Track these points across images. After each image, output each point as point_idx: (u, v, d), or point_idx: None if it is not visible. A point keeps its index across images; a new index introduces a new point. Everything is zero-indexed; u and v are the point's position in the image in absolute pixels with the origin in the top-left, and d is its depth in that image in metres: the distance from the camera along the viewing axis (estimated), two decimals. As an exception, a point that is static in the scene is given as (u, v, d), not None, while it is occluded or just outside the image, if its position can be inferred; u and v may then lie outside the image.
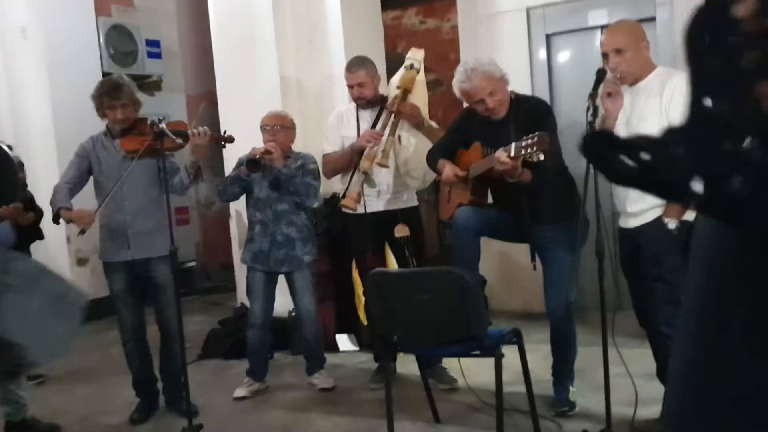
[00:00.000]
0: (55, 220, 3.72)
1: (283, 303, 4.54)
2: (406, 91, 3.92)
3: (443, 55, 6.73)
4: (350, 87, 4.10)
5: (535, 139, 2.91)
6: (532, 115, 3.28)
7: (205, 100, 8.11)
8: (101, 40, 7.04)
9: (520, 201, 3.27)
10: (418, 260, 3.95)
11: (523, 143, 2.94)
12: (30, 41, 6.59)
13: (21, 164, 3.87)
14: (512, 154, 2.97)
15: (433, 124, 4.07)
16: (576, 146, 0.87)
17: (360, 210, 4.04)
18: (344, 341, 4.98)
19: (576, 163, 3.33)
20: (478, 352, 2.89)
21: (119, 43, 7.23)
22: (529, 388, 3.11)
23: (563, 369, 3.47)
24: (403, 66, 4.03)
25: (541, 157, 2.92)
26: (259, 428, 3.65)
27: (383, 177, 4.04)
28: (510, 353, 2.99)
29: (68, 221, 3.70)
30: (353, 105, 4.18)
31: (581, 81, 4.93)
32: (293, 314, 4.70)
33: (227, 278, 6.71)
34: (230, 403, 4.09)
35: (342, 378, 4.33)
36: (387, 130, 3.88)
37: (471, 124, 3.47)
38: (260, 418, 3.82)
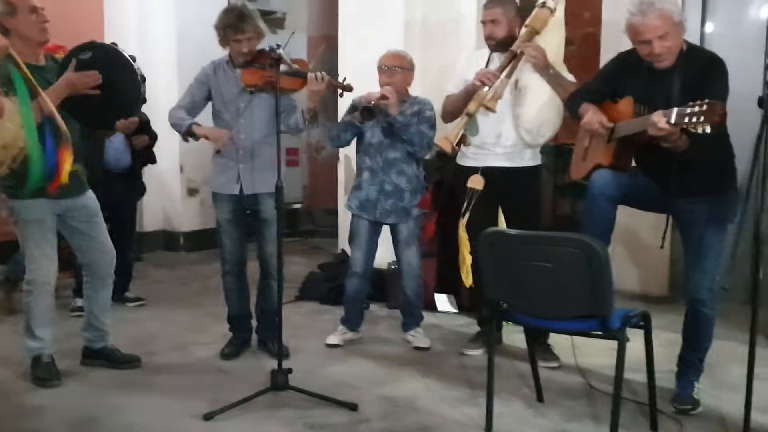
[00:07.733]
0: (186, 137, 3.69)
1: (383, 254, 4.38)
2: (532, 31, 3.55)
3: (576, 12, 6.22)
4: (483, 24, 3.76)
5: (704, 107, 2.46)
6: (703, 73, 2.78)
7: (325, 42, 7.97)
8: (230, -29, 7.01)
9: (670, 169, 2.86)
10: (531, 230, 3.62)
11: (688, 110, 2.50)
12: (160, -33, 6.65)
13: (143, 78, 3.82)
14: (672, 120, 2.55)
15: (568, 75, 3.64)
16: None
17: (472, 162, 3.76)
18: (443, 301, 4.78)
19: (736, 129, 2.90)
20: (599, 332, 2.58)
21: (247, -25, 7.16)
22: (651, 378, 2.80)
23: (693, 360, 3.08)
24: (536, 5, 3.63)
25: (708, 129, 2.48)
26: (348, 378, 3.51)
27: (499, 127, 3.67)
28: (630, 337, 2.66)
29: (202, 137, 3.66)
30: (487, 48, 3.84)
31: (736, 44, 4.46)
32: (393, 266, 4.54)
33: (331, 223, 6.63)
34: (322, 349, 3.99)
35: (438, 339, 4.13)
36: (504, 72, 3.54)
37: (624, 73, 3.04)
38: (350, 369, 3.69)
